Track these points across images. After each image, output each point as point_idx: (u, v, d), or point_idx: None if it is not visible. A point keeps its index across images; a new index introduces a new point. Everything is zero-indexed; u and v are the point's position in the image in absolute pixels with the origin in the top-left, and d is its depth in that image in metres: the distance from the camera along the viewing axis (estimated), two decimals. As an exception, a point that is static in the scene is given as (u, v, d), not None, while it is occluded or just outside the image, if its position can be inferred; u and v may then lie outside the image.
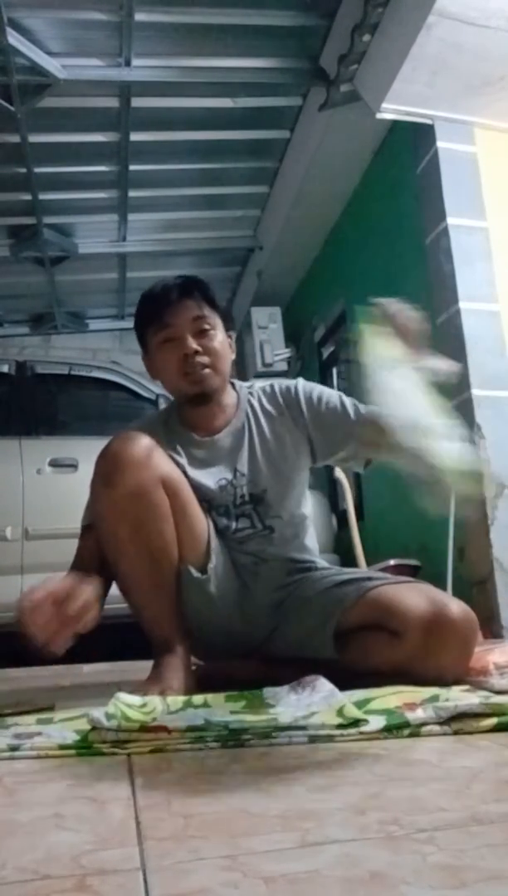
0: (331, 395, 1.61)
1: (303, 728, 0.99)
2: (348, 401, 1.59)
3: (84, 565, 1.45)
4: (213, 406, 1.58)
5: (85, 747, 0.98)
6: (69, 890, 0.52)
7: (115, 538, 1.43)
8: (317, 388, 1.63)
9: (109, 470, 1.41)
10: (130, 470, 1.40)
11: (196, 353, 1.51)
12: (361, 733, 0.98)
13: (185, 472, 1.52)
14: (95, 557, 1.47)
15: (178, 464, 1.52)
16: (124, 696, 1.08)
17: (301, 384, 1.63)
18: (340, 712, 1.02)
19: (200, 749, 0.96)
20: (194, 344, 1.51)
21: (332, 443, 1.58)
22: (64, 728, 1.08)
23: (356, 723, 1.00)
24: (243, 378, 1.67)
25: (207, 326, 1.53)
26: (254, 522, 1.56)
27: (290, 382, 1.65)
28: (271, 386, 1.66)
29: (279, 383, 1.66)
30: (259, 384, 1.69)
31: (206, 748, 0.96)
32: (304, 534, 1.65)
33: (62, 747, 0.98)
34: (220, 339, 1.56)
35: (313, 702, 1.10)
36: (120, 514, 1.41)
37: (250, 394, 1.65)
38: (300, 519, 1.64)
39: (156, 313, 1.54)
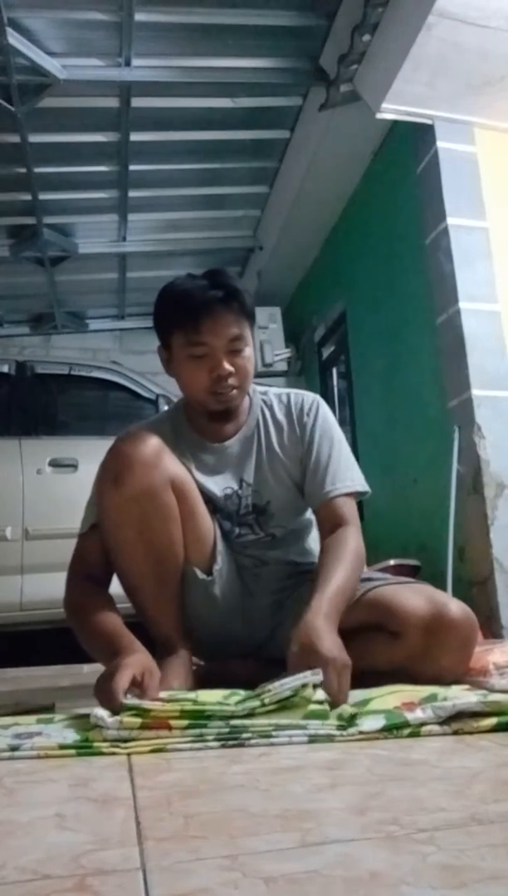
0: (328, 442, 1.55)
1: (303, 727, 0.99)
2: (336, 466, 1.52)
3: (91, 569, 1.46)
4: (231, 416, 1.56)
5: (86, 747, 0.98)
6: (69, 890, 0.52)
7: (121, 537, 1.43)
8: (324, 426, 1.57)
9: (118, 469, 1.40)
10: (139, 469, 1.39)
11: (229, 374, 1.47)
12: (361, 733, 0.98)
13: (193, 477, 1.51)
14: (101, 561, 1.46)
15: (185, 467, 1.52)
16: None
17: (316, 411, 1.58)
18: (339, 715, 1.02)
19: (200, 749, 0.96)
20: (228, 366, 1.46)
21: (302, 488, 1.57)
22: (64, 728, 1.07)
23: (353, 720, 1.00)
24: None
25: (241, 346, 1.48)
26: (255, 530, 1.56)
27: (308, 400, 1.60)
28: (288, 396, 1.62)
29: (296, 396, 1.61)
30: (275, 391, 1.65)
31: (206, 748, 0.96)
32: (306, 538, 1.64)
33: (62, 747, 0.98)
34: (249, 354, 1.50)
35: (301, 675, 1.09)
36: (128, 514, 1.40)
37: (264, 401, 1.61)
38: (305, 524, 1.63)
39: (192, 323, 1.45)
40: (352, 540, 1.44)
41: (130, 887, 0.52)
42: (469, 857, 0.54)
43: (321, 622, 1.24)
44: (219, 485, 1.55)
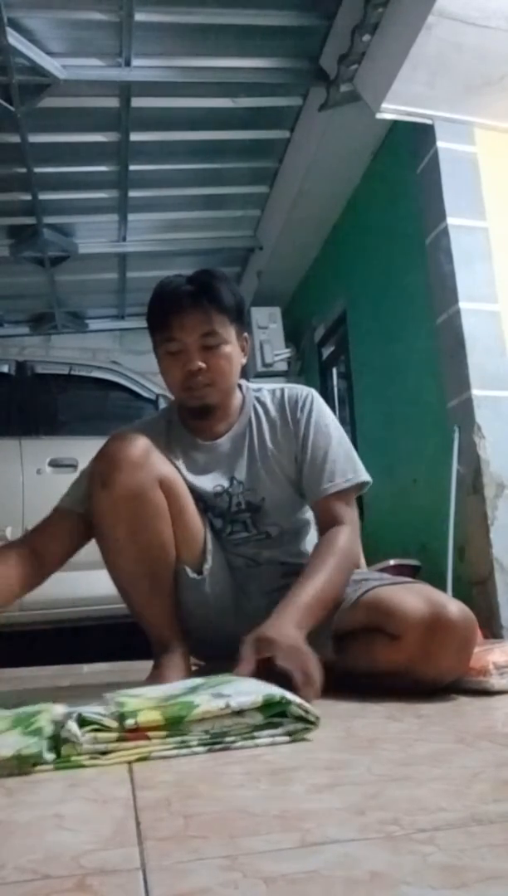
0: (324, 437, 1.52)
1: (280, 725, 0.97)
2: (333, 461, 1.49)
3: (31, 538, 1.51)
4: (215, 414, 1.55)
5: (64, 761, 0.90)
6: (69, 890, 0.52)
7: (114, 538, 1.43)
8: (319, 420, 1.54)
9: (106, 470, 1.41)
10: (127, 470, 1.39)
11: (200, 370, 1.46)
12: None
13: (182, 476, 1.51)
14: (42, 537, 1.50)
15: (175, 466, 1.51)
16: (122, 698, 1.01)
17: (310, 405, 1.55)
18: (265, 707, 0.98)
19: (186, 755, 0.92)
20: (198, 361, 1.45)
21: (298, 484, 1.55)
22: (21, 734, 0.94)
23: (284, 707, 0.97)
24: (244, 376, 1.63)
25: (214, 342, 1.46)
26: (249, 528, 1.55)
27: (303, 395, 1.57)
28: (282, 391, 1.59)
29: (290, 391, 1.59)
30: (268, 387, 1.63)
31: (192, 754, 0.93)
32: (303, 538, 1.62)
33: (20, 758, 0.87)
34: (227, 351, 1.48)
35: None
36: (118, 515, 1.40)
37: (257, 398, 1.60)
38: (302, 524, 1.61)
39: (164, 321, 1.47)
40: (342, 539, 1.42)
41: (130, 887, 0.52)
42: (469, 857, 0.54)
43: (288, 626, 1.22)
44: (210, 482, 1.54)
